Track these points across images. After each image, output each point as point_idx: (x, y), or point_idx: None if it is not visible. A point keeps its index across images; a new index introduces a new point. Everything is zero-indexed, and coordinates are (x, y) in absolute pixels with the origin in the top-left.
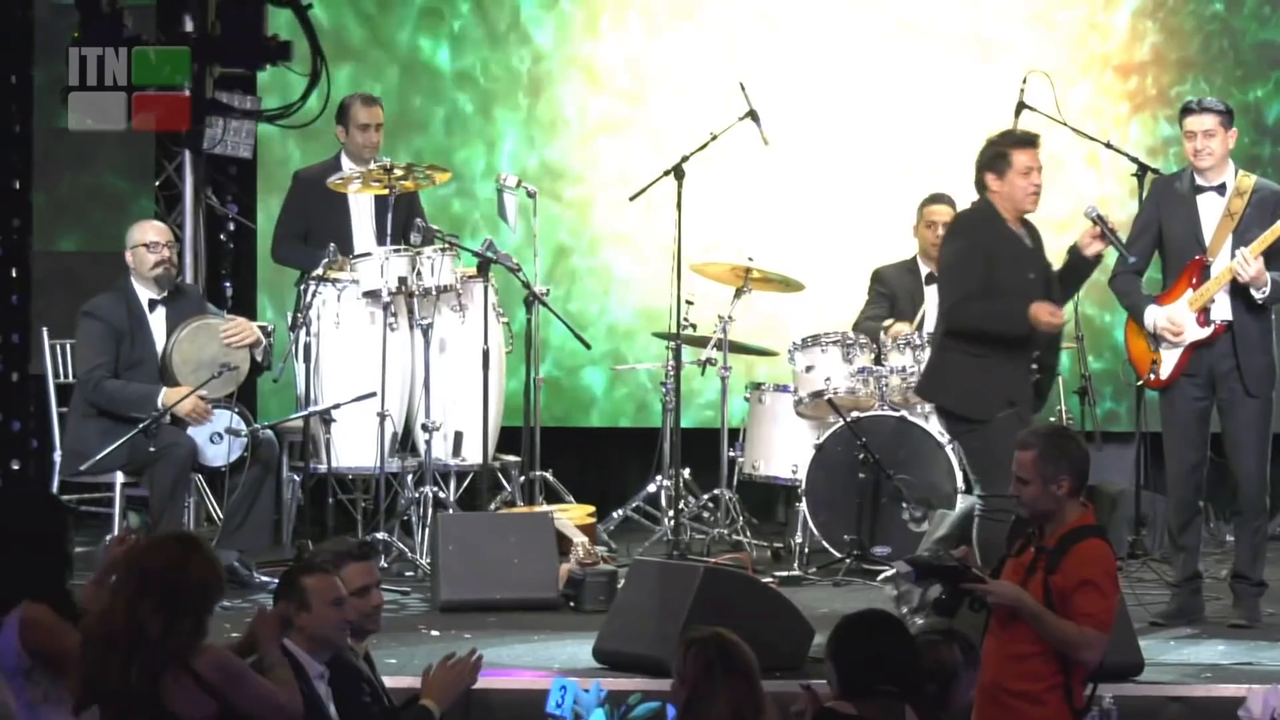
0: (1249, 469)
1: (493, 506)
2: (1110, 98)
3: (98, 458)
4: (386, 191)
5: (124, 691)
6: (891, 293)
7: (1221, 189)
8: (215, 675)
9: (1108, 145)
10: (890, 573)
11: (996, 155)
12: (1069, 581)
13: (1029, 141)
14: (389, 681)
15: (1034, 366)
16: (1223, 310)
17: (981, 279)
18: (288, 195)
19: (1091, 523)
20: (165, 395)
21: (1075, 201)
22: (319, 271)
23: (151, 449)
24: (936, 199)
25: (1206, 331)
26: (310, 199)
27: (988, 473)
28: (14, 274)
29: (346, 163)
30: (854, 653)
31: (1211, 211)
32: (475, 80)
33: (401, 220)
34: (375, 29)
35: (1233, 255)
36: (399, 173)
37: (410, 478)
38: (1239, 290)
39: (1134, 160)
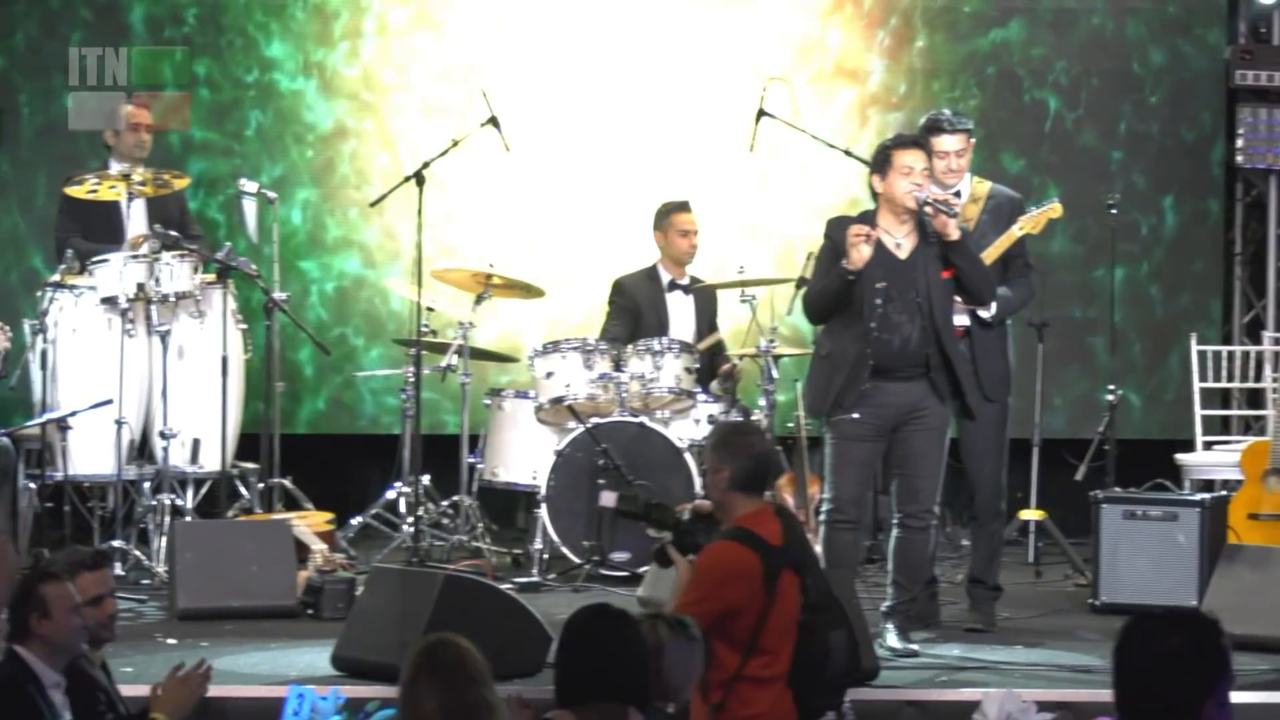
0: (985, 474)
1: (231, 514)
2: (849, 104)
3: None
4: (123, 196)
5: None
6: (633, 305)
7: (957, 195)
8: None
9: (847, 153)
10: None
11: (881, 159)
12: None
13: (912, 142)
14: (125, 690)
15: (868, 372)
16: (960, 317)
17: (829, 273)
18: (62, 196)
19: (746, 526)
20: None
21: (816, 209)
22: (56, 277)
23: None
24: (683, 207)
25: None
26: (83, 201)
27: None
28: None
29: (115, 165)
30: (568, 657)
31: None
32: (203, 89)
33: (174, 225)
34: (100, 35)
35: None
36: (138, 178)
37: (147, 485)
38: None
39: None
